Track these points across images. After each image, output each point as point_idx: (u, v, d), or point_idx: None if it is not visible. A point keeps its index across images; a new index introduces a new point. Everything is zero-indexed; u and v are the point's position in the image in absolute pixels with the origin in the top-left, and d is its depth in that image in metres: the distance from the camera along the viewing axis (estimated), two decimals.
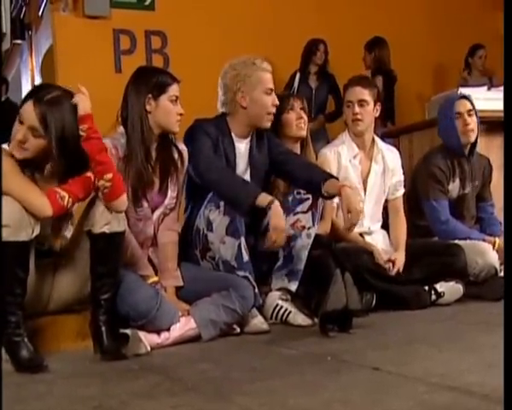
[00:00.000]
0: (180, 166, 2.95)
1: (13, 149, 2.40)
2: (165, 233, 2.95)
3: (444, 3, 6.69)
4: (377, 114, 3.62)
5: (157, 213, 2.92)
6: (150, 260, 2.90)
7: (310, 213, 3.08)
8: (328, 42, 5.88)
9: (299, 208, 3.10)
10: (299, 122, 3.48)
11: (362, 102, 3.53)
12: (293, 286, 3.06)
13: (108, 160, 2.48)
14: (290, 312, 3.00)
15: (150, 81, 2.83)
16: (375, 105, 3.57)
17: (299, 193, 3.12)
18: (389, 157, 3.67)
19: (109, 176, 2.43)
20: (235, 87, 3.14)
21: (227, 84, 3.16)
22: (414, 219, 3.79)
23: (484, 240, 3.66)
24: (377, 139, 3.69)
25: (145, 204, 2.86)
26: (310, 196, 3.09)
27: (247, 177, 3.20)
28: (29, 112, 2.38)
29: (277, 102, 3.19)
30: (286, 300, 3.05)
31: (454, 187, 3.79)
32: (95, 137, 2.42)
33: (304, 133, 3.51)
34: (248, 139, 3.24)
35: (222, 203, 2.94)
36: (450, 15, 6.68)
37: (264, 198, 2.89)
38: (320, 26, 5.99)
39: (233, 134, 3.19)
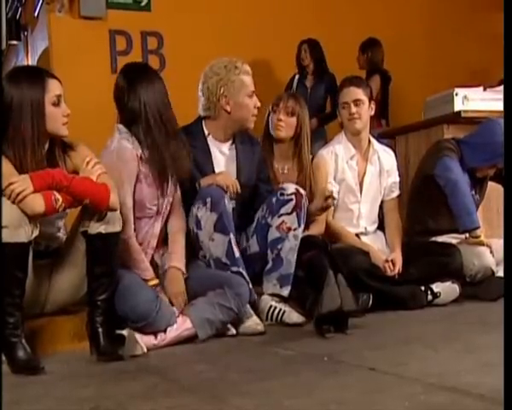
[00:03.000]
0: None
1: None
2: (174, 223, 2.97)
3: (441, 4, 6.69)
4: (372, 113, 3.63)
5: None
6: (154, 261, 2.90)
7: (294, 213, 3.06)
8: (327, 42, 5.85)
9: (283, 210, 3.07)
10: (277, 123, 3.45)
11: (357, 102, 3.54)
12: (286, 291, 3.04)
13: (77, 187, 2.41)
14: (284, 311, 3.00)
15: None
16: (369, 104, 3.58)
17: (282, 194, 3.09)
18: (385, 158, 3.68)
19: (86, 201, 2.43)
20: (219, 92, 3.14)
21: (209, 88, 3.16)
22: (413, 222, 3.78)
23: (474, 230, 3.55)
24: (373, 140, 3.70)
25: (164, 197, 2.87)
26: (293, 196, 3.08)
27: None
28: None
29: (259, 104, 3.19)
30: (279, 301, 3.04)
31: None
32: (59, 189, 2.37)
33: (280, 135, 3.46)
34: (229, 143, 3.24)
35: (208, 200, 2.93)
36: (447, 16, 6.69)
37: None
38: (318, 27, 5.99)
39: (211, 138, 3.20)
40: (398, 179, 3.72)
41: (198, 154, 3.10)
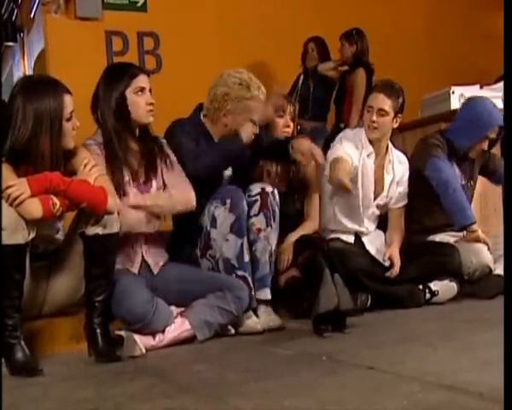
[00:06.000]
0: (162, 159, 2.92)
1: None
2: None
3: (439, 2, 6.69)
4: (396, 125, 3.54)
5: None
6: (145, 261, 2.89)
7: (262, 214, 3.02)
8: (327, 40, 5.84)
9: (251, 212, 3.03)
10: (285, 129, 3.47)
11: (381, 112, 3.45)
12: (262, 294, 3.00)
13: (75, 191, 2.41)
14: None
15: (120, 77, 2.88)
16: (395, 116, 3.49)
17: (249, 196, 3.04)
18: (398, 169, 3.61)
19: (84, 204, 2.43)
20: (222, 104, 3.13)
21: (216, 95, 3.15)
22: (410, 221, 3.76)
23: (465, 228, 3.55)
24: (391, 148, 3.62)
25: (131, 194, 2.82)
26: (258, 196, 3.03)
27: (229, 171, 3.23)
28: None
29: (256, 132, 3.17)
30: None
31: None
32: (57, 190, 2.38)
33: None
34: None
35: (228, 201, 2.95)
36: (445, 14, 6.68)
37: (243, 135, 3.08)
38: (317, 25, 5.95)
39: (211, 134, 3.21)
40: (407, 190, 3.66)
41: (201, 140, 3.11)
